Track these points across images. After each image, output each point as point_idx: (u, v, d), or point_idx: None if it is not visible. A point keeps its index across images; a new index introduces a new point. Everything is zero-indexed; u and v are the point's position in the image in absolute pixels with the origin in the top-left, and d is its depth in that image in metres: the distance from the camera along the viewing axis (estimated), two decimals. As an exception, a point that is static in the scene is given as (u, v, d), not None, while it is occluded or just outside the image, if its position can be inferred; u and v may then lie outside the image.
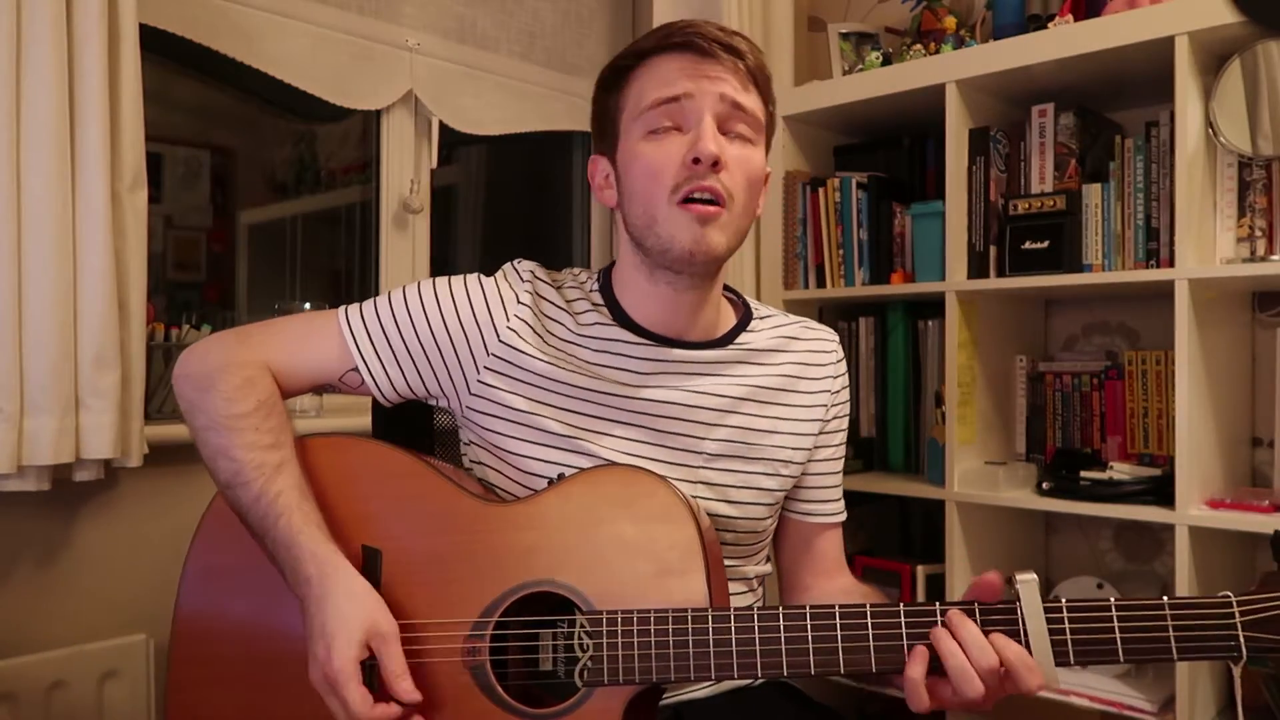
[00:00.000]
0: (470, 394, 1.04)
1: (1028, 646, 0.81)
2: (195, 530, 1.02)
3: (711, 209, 0.96)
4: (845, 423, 1.16)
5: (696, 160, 0.95)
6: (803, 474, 1.12)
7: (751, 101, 0.99)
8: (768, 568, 1.14)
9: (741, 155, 0.98)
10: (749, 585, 1.10)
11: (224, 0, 1.72)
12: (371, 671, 0.88)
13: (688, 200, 0.96)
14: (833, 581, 1.14)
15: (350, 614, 0.87)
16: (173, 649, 1.00)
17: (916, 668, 0.82)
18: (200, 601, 1.00)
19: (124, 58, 1.43)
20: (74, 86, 1.37)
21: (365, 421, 1.20)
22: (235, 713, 0.96)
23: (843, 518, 1.17)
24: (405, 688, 0.86)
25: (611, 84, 1.03)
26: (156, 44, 1.61)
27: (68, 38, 1.36)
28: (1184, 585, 1.55)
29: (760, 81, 1.01)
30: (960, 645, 0.82)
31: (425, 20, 2.03)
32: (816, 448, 1.11)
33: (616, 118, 1.02)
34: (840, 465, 1.16)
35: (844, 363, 1.15)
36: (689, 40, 0.97)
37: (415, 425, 1.21)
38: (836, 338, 1.16)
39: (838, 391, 1.13)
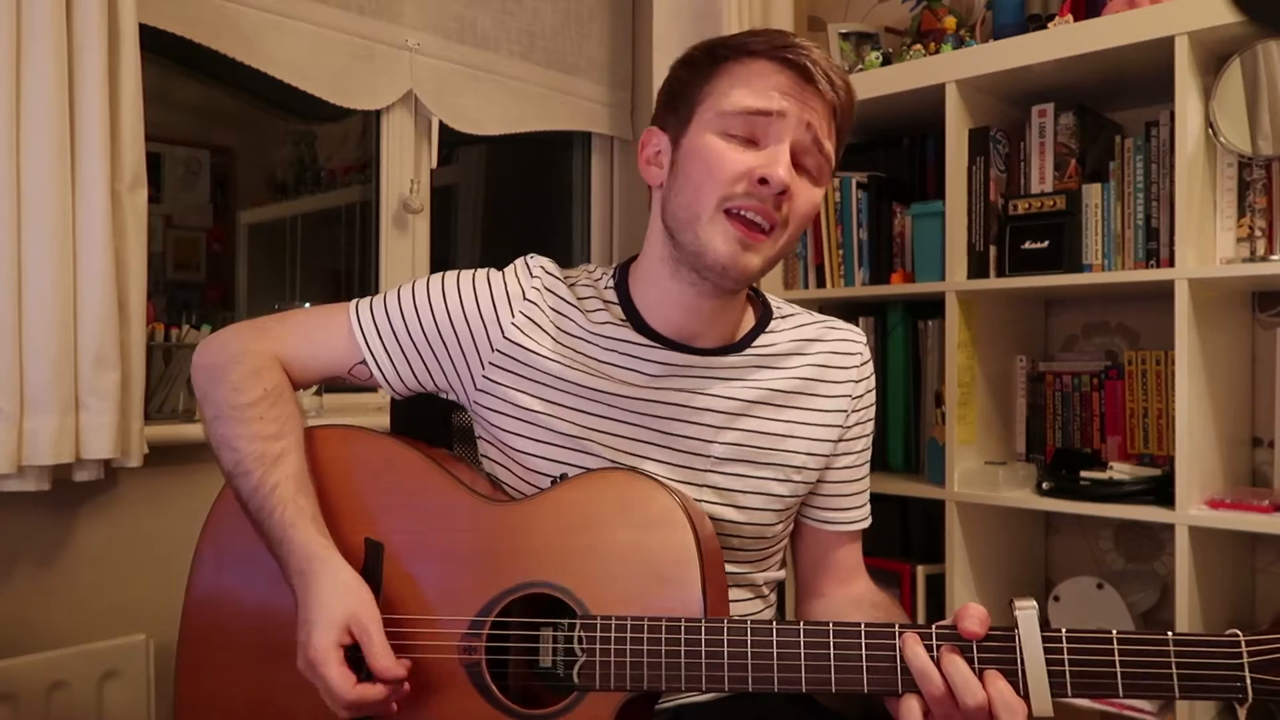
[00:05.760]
0: (476, 389, 1.04)
1: (1024, 676, 0.78)
2: (208, 513, 1.04)
3: (757, 235, 0.94)
4: (869, 428, 1.10)
5: (763, 181, 0.92)
6: (820, 481, 1.08)
7: (830, 145, 0.97)
8: (780, 574, 1.11)
9: (806, 189, 0.96)
10: (758, 593, 1.08)
11: (224, 0, 1.72)
12: (356, 657, 0.88)
13: (737, 214, 0.93)
14: (847, 589, 1.11)
15: (332, 602, 0.87)
16: (183, 629, 1.02)
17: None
18: (211, 583, 1.02)
19: (124, 58, 1.43)
20: (74, 86, 1.37)
21: (368, 422, 1.19)
22: (242, 693, 0.98)
23: (864, 525, 1.12)
24: (387, 664, 0.86)
25: (701, 66, 0.98)
26: (156, 44, 1.61)
27: (68, 38, 1.36)
28: (1184, 585, 1.55)
29: (843, 127, 1.00)
30: (947, 683, 0.79)
31: (425, 20, 2.03)
32: (835, 454, 1.07)
33: (694, 101, 0.97)
34: (864, 472, 1.11)
35: (869, 365, 1.09)
36: (799, 59, 0.94)
37: (434, 423, 1.21)
38: (863, 338, 1.10)
39: (861, 395, 1.08)
